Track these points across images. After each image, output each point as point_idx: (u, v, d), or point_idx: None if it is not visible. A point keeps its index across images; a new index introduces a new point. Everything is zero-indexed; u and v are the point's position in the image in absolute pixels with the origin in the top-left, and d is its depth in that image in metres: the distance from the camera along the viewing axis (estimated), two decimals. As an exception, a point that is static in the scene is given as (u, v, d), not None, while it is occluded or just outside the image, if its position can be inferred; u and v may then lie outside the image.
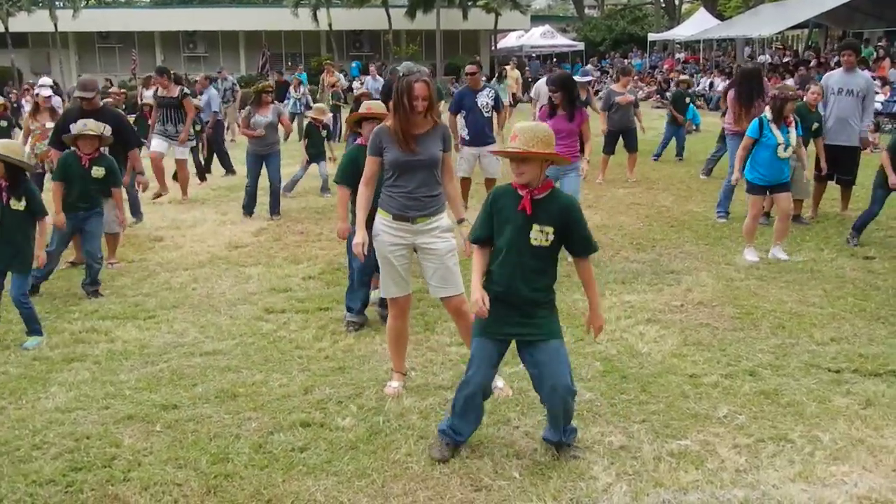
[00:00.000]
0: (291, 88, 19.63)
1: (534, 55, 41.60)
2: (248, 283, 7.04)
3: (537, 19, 47.69)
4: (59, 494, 3.64)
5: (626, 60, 37.06)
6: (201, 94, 14.07)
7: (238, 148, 17.49)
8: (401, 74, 4.47)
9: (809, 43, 29.52)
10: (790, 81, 20.53)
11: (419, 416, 4.33)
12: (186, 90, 11.91)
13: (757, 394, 4.52)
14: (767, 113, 7.21)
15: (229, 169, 13.98)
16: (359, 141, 5.72)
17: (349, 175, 5.47)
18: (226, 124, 19.86)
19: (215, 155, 14.14)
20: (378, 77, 20.11)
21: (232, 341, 5.58)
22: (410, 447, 3.98)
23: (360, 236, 4.52)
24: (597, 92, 24.78)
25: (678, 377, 4.76)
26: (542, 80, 12.09)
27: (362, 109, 5.78)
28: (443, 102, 10.79)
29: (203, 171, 13.54)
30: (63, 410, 4.48)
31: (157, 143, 11.26)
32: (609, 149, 11.97)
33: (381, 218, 4.52)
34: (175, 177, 11.93)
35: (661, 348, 5.25)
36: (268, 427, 4.23)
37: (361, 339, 5.58)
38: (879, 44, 25.86)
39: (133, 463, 3.89)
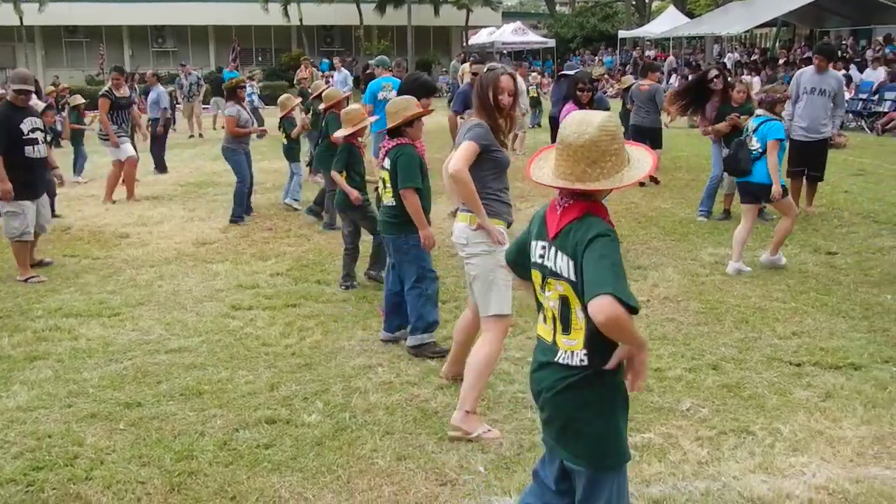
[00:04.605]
0: (247, 85, 19.45)
1: (505, 52, 41.66)
2: (215, 280, 6.99)
3: (509, 16, 47.77)
4: (19, 494, 3.60)
5: (596, 58, 37.30)
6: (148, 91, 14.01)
7: (207, 143, 17.43)
8: (486, 70, 4.23)
9: (777, 41, 29.87)
10: (756, 79, 20.81)
11: (385, 412, 4.34)
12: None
13: (720, 387, 4.58)
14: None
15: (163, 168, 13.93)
16: (404, 140, 5.06)
17: (420, 176, 4.98)
18: (183, 118, 19.75)
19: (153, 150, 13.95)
20: (342, 69, 19.98)
21: (198, 338, 5.54)
22: (376, 443, 3.98)
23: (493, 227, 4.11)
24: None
25: (643, 371, 4.80)
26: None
27: (410, 111, 5.01)
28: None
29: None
30: (25, 409, 4.43)
31: (130, 148, 11.12)
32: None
33: (500, 228, 4.14)
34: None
35: (627, 343, 5.28)
36: (233, 424, 4.21)
37: (329, 335, 5.57)
38: (845, 42, 26.28)
39: (96, 461, 3.85)
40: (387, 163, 5.07)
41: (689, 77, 11.31)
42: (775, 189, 6.71)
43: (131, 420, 4.28)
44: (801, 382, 4.64)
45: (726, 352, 5.12)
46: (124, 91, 11.10)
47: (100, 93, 11.30)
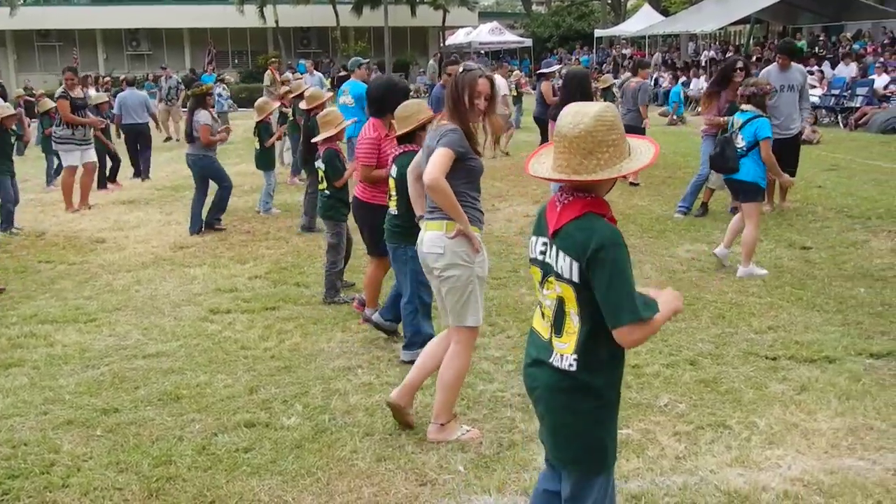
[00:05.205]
0: (219, 89, 19.23)
1: (482, 52, 41.75)
2: (193, 284, 6.95)
3: (485, 16, 47.91)
4: (-5, 503, 3.57)
5: (573, 57, 37.44)
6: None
7: (184, 147, 17.24)
8: (462, 70, 4.03)
9: (751, 38, 30.14)
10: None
11: (365, 413, 4.34)
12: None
13: (697, 382, 4.62)
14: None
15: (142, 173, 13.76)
16: (413, 147, 4.76)
17: None
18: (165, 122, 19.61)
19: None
20: (315, 72, 19.87)
21: (176, 343, 5.51)
22: (356, 444, 3.98)
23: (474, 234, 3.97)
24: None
25: (621, 368, 4.83)
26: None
27: (424, 114, 4.76)
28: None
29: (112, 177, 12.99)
30: (-1, 417, 4.39)
31: (92, 153, 10.91)
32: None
33: (479, 236, 4.03)
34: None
35: (605, 340, 5.31)
36: (212, 428, 4.19)
37: (308, 338, 5.56)
38: (822, 39, 26.56)
39: (72, 469, 3.82)
40: (394, 171, 4.80)
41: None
42: (786, 179, 7.32)
43: (108, 426, 4.24)
44: (777, 376, 4.69)
45: (703, 347, 5.17)
46: (78, 92, 10.90)
47: (56, 96, 10.71)
